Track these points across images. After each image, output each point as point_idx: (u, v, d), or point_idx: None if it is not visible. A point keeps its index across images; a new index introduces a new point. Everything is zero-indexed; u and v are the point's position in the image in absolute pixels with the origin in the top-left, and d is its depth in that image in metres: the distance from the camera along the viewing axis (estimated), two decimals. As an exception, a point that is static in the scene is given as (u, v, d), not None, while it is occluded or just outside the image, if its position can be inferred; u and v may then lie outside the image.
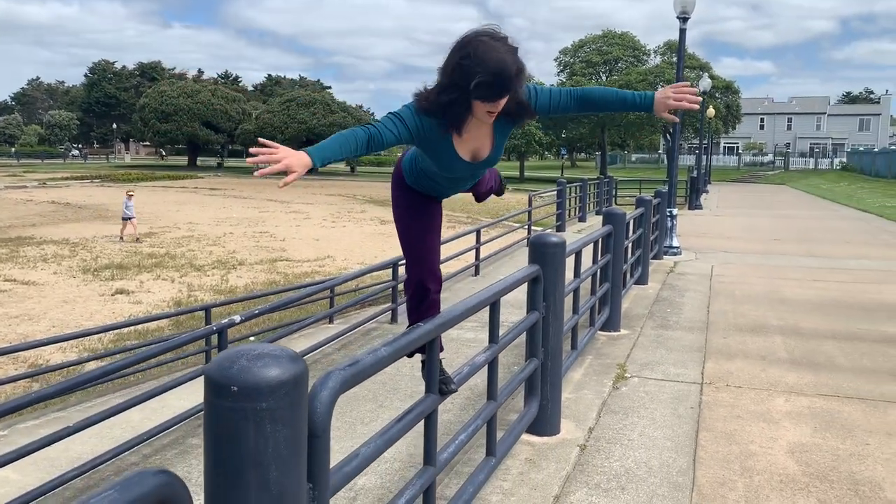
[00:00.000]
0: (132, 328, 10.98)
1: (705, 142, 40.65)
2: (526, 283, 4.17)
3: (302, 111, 69.18)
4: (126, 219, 22.42)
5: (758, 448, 4.34)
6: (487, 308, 3.42)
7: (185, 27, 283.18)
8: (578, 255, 5.55)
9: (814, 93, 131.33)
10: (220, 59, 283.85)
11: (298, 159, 2.19)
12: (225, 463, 1.58)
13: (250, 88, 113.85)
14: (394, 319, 9.00)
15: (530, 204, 15.37)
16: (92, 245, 21.55)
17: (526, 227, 15.56)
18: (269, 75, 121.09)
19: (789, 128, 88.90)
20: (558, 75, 69.75)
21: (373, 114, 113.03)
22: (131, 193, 23.13)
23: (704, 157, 38.75)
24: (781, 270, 11.37)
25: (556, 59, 70.37)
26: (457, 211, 33.11)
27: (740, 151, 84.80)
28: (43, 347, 9.92)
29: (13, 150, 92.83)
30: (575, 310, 5.64)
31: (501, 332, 3.59)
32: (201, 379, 5.57)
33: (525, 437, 4.36)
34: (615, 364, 6.07)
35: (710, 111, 39.53)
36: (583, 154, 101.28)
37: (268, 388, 1.57)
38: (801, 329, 7.43)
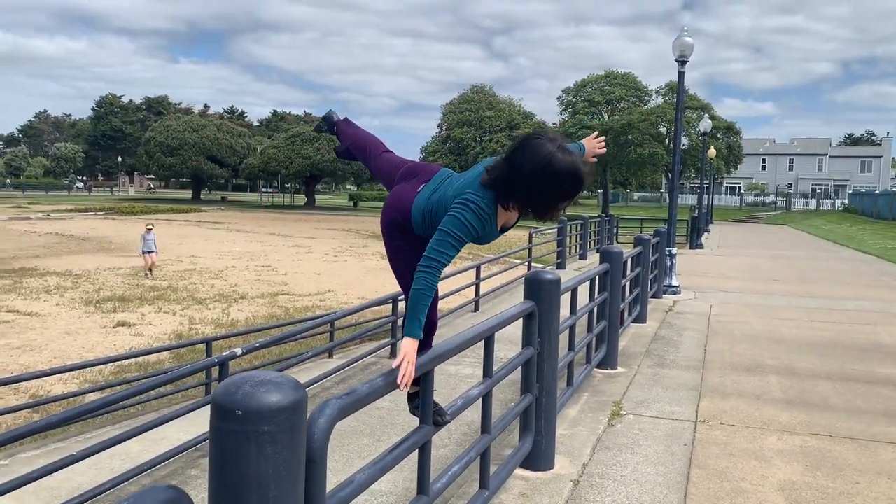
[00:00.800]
0: (133, 360, 11.06)
1: (707, 181, 40.95)
2: (521, 319, 4.28)
3: (306, 146, 69.83)
4: (147, 252, 22.20)
5: (749, 486, 4.40)
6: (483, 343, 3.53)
7: (192, 62, 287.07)
8: (574, 292, 5.66)
9: (816, 134, 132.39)
10: (226, 94, 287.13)
11: (414, 351, 2.60)
12: (228, 483, 1.68)
13: (256, 123, 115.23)
14: (393, 354, 9.07)
15: (530, 241, 15.52)
16: (94, 277, 21.68)
17: (526, 263, 15.69)
18: (275, 111, 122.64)
19: (791, 168, 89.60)
20: (561, 114, 70.60)
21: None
22: (150, 227, 23.10)
23: (706, 197, 39.05)
24: (780, 311, 11.45)
25: (558, 98, 71.24)
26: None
27: (742, 191, 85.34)
28: (44, 378, 9.99)
29: (7, 181, 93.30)
30: (571, 347, 5.73)
31: (498, 367, 3.69)
32: (201, 411, 5.64)
33: (519, 471, 4.42)
34: (611, 401, 6.14)
35: (712, 151, 39.88)
36: (585, 193, 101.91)
37: (270, 412, 1.67)
38: (797, 369, 7.49)
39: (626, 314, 8.93)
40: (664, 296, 12.62)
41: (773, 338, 9.16)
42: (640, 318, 9.89)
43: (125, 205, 65.22)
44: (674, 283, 13.01)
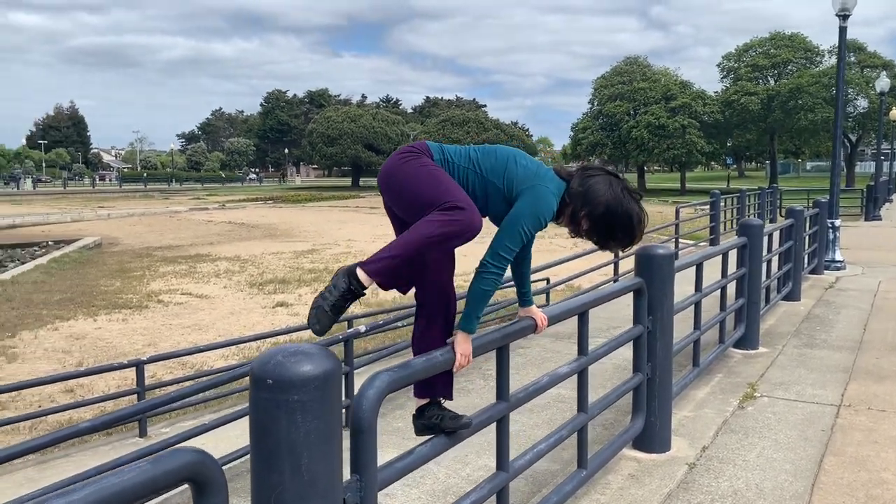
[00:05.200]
0: (286, 337, 11.81)
1: (886, 146, 37.22)
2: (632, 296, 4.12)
3: (456, 130, 70.90)
4: None
5: (892, 476, 3.99)
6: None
7: (352, 56, 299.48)
8: (699, 267, 5.36)
9: None
10: (383, 84, 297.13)
11: (469, 346, 2.47)
12: (263, 449, 1.76)
13: (409, 111, 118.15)
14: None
15: (677, 216, 14.85)
16: (259, 261, 23.28)
17: (673, 240, 15.04)
18: (428, 97, 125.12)
19: None
20: (721, 81, 66.84)
21: (527, 130, 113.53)
22: None
23: (886, 164, 35.52)
24: (962, 286, 10.24)
25: (718, 65, 67.50)
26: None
27: (934, 156, 76.73)
28: (208, 353, 10.92)
29: (170, 176, 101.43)
30: (696, 325, 5.44)
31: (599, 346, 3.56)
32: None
33: (632, 452, 4.28)
34: (745, 383, 5.77)
35: (893, 112, 36.21)
36: (752, 163, 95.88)
37: (299, 381, 1.73)
38: (973, 350, 6.68)
39: (772, 291, 8.34)
40: (826, 272, 11.66)
41: (950, 316, 8.22)
42: (793, 296, 9.19)
43: (291, 193, 69.41)
44: (837, 257, 11.98)
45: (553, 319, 3.13)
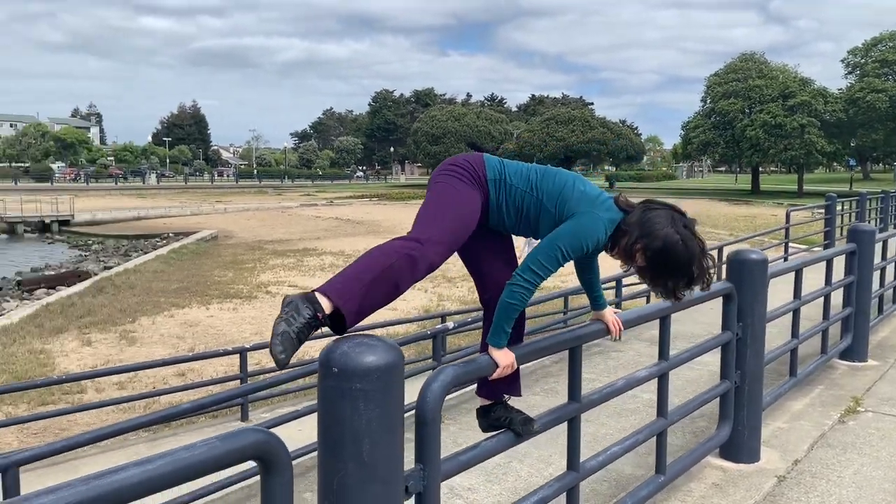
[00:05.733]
0: (384, 330, 12.11)
1: None
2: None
3: (561, 129, 70.12)
4: None
5: None
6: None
7: (459, 55, 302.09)
8: (798, 273, 5.14)
9: None
10: (489, 83, 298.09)
11: (507, 355, 2.38)
12: (328, 434, 1.86)
13: (514, 109, 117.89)
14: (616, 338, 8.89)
15: (787, 220, 14.20)
16: (362, 257, 23.91)
17: (783, 244, 14.39)
18: (533, 95, 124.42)
19: None
20: (846, 77, 63.10)
21: (636, 128, 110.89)
22: None
23: None
24: None
25: (843, 61, 63.72)
26: (719, 228, 31.49)
27: None
28: (308, 343, 11.35)
29: (283, 174, 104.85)
30: (794, 334, 5.22)
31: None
32: (422, 376, 6.01)
33: (718, 461, 4.18)
34: (849, 396, 5.49)
35: None
36: (880, 165, 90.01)
37: (361, 371, 1.82)
38: None
39: (887, 302, 7.86)
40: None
41: None
42: (912, 307, 8.61)
43: (395, 191, 70.78)
44: (966, 267, 11.10)
45: (629, 324, 3.11)
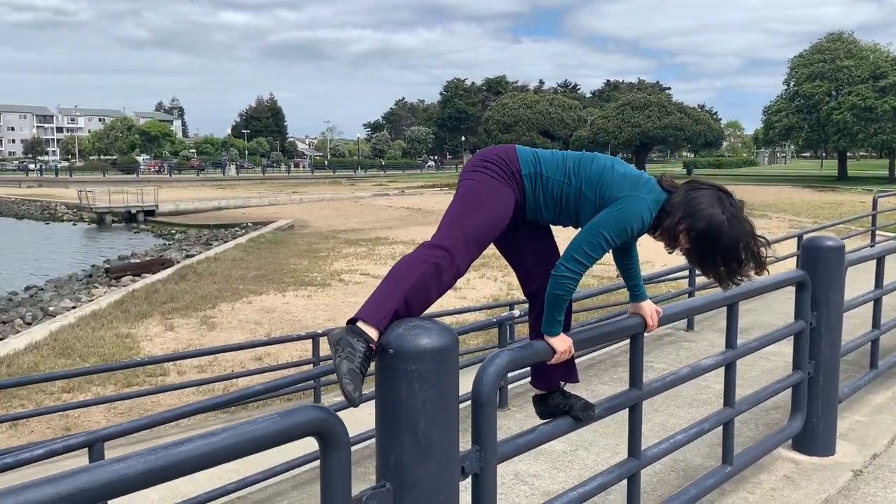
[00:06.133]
0: (453, 318, 12.20)
1: None
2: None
3: (636, 114, 68.64)
4: None
5: None
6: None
7: (532, 41, 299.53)
8: (881, 261, 4.93)
9: None
10: (563, 69, 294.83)
11: (564, 340, 2.36)
12: (386, 413, 1.92)
13: (588, 95, 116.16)
14: (689, 327, 8.70)
15: (874, 206, 13.56)
16: (433, 245, 24.10)
17: (870, 232, 13.76)
18: (608, 80, 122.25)
19: None
20: (943, 56, 59.43)
21: (716, 113, 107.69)
22: None
23: None
24: None
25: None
26: (801, 216, 30.38)
27: None
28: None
29: (356, 164, 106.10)
30: (875, 324, 5.02)
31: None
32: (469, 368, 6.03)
33: (790, 453, 4.07)
34: (936, 390, 5.24)
35: None
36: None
37: (416, 352, 1.87)
38: None
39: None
40: None
41: None
42: None
43: (467, 180, 70.84)
44: None
45: (694, 311, 3.06)
